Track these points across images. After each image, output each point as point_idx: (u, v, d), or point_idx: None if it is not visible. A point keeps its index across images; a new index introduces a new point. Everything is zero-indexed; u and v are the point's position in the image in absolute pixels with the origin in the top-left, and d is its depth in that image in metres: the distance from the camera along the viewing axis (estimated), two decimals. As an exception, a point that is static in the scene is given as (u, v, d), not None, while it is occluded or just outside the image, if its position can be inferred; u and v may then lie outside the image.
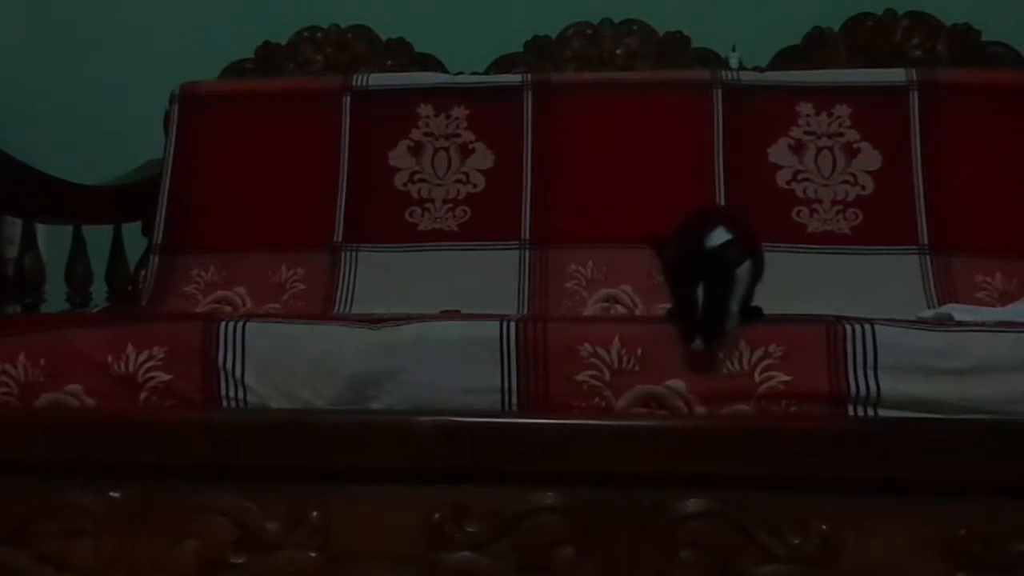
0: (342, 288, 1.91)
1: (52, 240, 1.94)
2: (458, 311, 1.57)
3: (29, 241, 1.72)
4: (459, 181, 1.96)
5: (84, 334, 1.30)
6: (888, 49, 2.05)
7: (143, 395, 1.26)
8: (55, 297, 1.80)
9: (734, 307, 1.24)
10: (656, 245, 1.26)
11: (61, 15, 2.34)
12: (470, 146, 1.98)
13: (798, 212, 1.88)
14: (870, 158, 1.90)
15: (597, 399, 1.21)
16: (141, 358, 1.26)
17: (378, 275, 1.91)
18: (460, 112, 1.99)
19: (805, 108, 1.93)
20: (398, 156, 1.98)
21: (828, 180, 1.89)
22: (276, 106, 2.06)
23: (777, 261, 1.60)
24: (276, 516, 1.22)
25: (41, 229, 1.79)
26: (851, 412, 1.18)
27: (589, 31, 2.13)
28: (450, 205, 1.95)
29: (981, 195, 1.86)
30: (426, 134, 1.99)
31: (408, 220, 1.95)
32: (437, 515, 1.20)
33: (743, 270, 1.25)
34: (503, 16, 2.20)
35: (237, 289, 1.92)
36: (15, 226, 1.83)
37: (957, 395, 1.17)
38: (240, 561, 1.23)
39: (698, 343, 1.20)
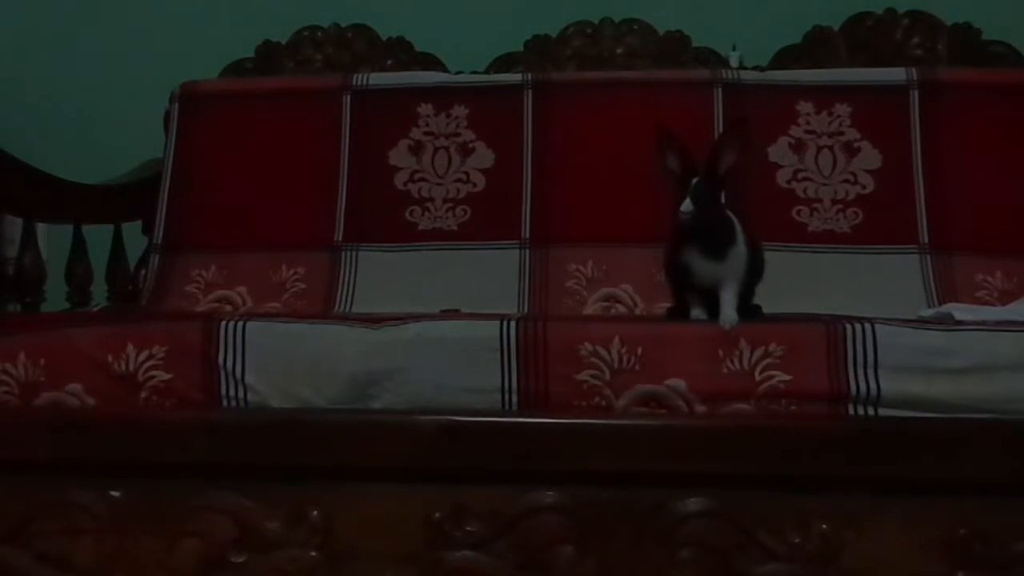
0: (342, 288, 1.91)
1: (52, 240, 1.95)
2: (458, 311, 1.57)
3: (29, 240, 1.72)
4: (459, 180, 1.96)
5: (84, 334, 1.30)
6: (888, 48, 2.05)
7: (143, 395, 1.26)
8: (55, 297, 1.79)
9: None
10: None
11: (61, 15, 2.34)
12: (470, 145, 1.97)
13: (798, 211, 1.88)
14: (870, 157, 1.89)
15: (597, 398, 1.21)
16: (141, 358, 1.26)
17: (378, 275, 1.91)
18: (460, 111, 1.99)
19: (805, 107, 1.93)
20: (398, 155, 1.98)
21: (828, 179, 1.89)
22: (276, 105, 2.06)
23: (777, 261, 1.60)
24: (276, 515, 1.22)
25: (41, 228, 1.79)
26: (851, 412, 1.18)
27: (589, 30, 2.13)
28: (450, 204, 1.94)
29: (981, 194, 1.86)
30: (426, 133, 1.99)
31: (408, 219, 1.94)
32: (437, 514, 1.20)
33: (741, 261, 1.29)
34: (503, 15, 2.20)
35: (237, 289, 1.92)
36: (15, 226, 1.83)
37: (957, 394, 1.17)
38: (240, 560, 1.23)
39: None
